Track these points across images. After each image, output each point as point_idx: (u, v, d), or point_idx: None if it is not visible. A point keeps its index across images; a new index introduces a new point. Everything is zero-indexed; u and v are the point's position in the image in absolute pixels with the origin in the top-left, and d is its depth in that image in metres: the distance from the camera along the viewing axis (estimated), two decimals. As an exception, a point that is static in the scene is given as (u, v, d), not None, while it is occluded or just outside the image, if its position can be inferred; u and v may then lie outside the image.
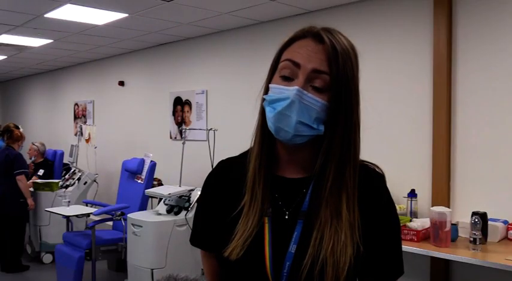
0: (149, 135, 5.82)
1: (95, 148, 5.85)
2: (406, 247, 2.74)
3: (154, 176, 4.95)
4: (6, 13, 4.17)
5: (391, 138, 3.48)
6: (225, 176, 1.08)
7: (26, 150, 5.95)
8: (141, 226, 3.71)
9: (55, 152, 6.32)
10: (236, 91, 4.68)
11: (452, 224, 2.79)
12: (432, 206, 3.05)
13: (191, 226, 1.22)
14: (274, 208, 0.99)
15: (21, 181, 4.93)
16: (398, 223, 1.04)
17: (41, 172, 5.92)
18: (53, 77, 8.04)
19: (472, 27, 3.09)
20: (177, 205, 3.86)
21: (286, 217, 0.99)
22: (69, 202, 4.71)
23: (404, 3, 3.44)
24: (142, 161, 4.83)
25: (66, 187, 5.40)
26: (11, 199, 4.90)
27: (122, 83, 6.28)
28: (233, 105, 4.69)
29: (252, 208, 0.98)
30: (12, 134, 5.14)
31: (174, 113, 5.44)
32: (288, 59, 0.95)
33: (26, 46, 5.73)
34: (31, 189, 5.24)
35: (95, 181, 5.62)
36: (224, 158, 1.14)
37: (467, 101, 3.13)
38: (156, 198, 4.36)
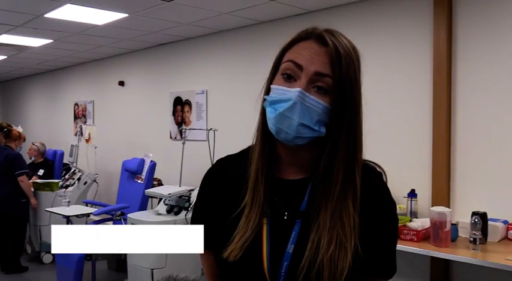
0: (149, 135, 5.82)
1: (95, 148, 5.85)
2: (406, 247, 2.75)
3: (154, 176, 4.95)
4: (6, 13, 4.16)
5: (391, 139, 3.48)
6: (224, 175, 1.08)
7: (26, 150, 5.94)
8: (141, 226, 3.71)
9: (55, 152, 6.32)
10: (236, 91, 4.68)
11: (452, 224, 2.79)
12: (432, 206, 3.05)
13: (191, 226, 1.22)
14: (273, 209, 0.99)
15: (24, 181, 4.91)
16: (397, 222, 1.05)
17: (41, 172, 5.91)
18: (53, 77, 8.03)
19: (472, 27, 3.09)
20: (177, 205, 3.86)
21: (285, 218, 0.98)
22: (69, 202, 4.71)
23: (404, 3, 3.44)
24: (143, 161, 4.84)
25: (66, 187, 5.40)
26: (12, 200, 4.89)
27: (121, 83, 6.28)
28: (233, 105, 4.69)
29: (253, 210, 0.97)
30: (10, 133, 5.08)
31: (174, 113, 5.44)
32: (290, 60, 0.95)
33: (26, 46, 5.72)
34: (31, 189, 5.23)
35: (95, 181, 5.62)
36: (223, 156, 1.13)
37: (467, 101, 3.13)
38: (156, 198, 4.36)
